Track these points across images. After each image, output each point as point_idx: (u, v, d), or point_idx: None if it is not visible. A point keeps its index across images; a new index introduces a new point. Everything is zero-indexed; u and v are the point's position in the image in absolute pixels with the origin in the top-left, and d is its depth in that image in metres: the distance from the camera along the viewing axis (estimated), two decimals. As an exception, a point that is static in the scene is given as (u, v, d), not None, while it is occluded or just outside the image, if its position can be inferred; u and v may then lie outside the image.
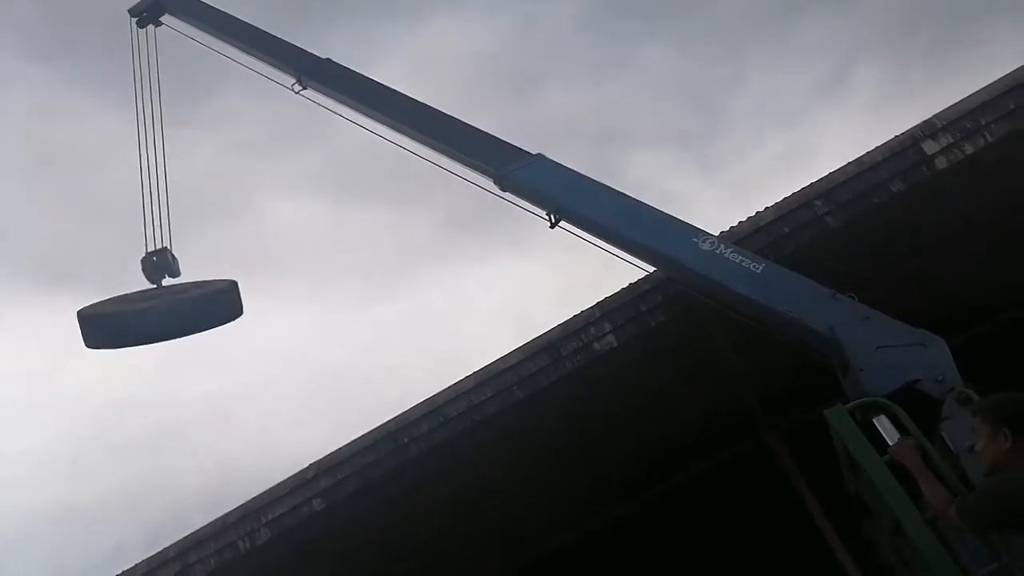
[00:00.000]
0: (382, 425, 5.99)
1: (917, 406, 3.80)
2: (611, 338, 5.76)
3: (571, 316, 5.96)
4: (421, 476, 6.02)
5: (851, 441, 3.42)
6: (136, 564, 6.23)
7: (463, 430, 5.86)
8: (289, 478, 6.07)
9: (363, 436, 5.99)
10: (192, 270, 7.31)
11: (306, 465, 6.07)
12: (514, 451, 6.34)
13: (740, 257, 4.88)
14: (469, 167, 6.13)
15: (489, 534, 7.27)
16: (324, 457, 6.03)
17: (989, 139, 5.12)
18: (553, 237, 5.77)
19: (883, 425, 3.67)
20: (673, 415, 7.42)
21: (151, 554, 6.22)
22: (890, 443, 3.51)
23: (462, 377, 6.04)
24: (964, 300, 6.62)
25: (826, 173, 5.45)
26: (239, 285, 6.96)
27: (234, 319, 6.91)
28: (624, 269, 5.68)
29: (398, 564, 7.02)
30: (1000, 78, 5.26)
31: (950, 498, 3.06)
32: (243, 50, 7.41)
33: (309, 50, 7.06)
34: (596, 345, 5.80)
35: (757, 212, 5.64)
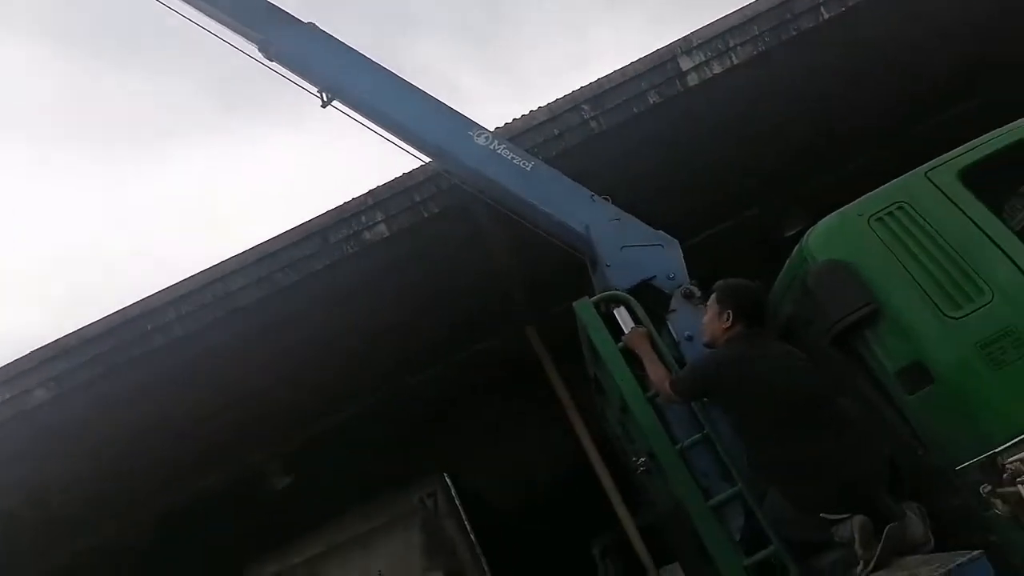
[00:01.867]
0: (123, 310, 5.44)
1: (651, 300, 4.25)
2: (383, 227, 5.68)
3: (343, 202, 5.77)
4: (168, 367, 5.61)
5: (593, 329, 3.75)
6: None
7: (220, 317, 5.52)
8: (8, 364, 5.36)
9: (99, 321, 5.41)
10: None
11: (29, 351, 5.39)
12: (276, 343, 6.13)
13: (512, 155, 4.97)
14: (233, 30, 5.48)
15: (241, 429, 7.07)
16: (51, 343, 5.38)
17: (735, 61, 5.62)
18: (327, 118, 5.44)
19: (621, 316, 4.06)
20: (443, 305, 7.62)
21: None
22: (625, 332, 3.90)
23: (221, 260, 5.65)
24: (703, 206, 7.43)
25: (595, 79, 5.68)
26: None
27: None
28: (401, 158, 5.57)
29: (133, 467, 6.60)
30: (750, 3, 5.73)
31: (666, 376, 3.50)
32: None
33: None
34: (367, 234, 5.69)
35: (531, 111, 5.76)
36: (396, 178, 5.75)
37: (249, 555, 7.73)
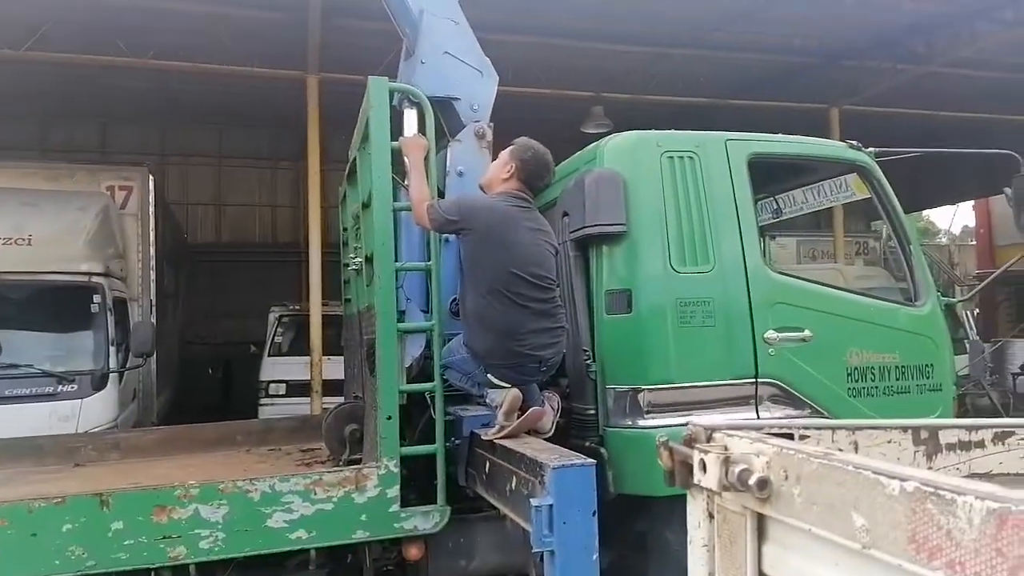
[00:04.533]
0: None
1: (443, 120, 4.01)
2: None
3: None
4: None
5: (376, 111, 3.43)
6: None
7: None
8: None
9: None
10: None
11: None
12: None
13: None
14: None
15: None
16: None
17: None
18: None
19: (409, 119, 3.78)
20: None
21: None
22: (406, 135, 3.65)
23: None
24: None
25: None
26: None
27: None
28: None
29: None
30: None
31: (427, 196, 3.37)
32: None
33: None
34: None
35: None
36: None
37: None
